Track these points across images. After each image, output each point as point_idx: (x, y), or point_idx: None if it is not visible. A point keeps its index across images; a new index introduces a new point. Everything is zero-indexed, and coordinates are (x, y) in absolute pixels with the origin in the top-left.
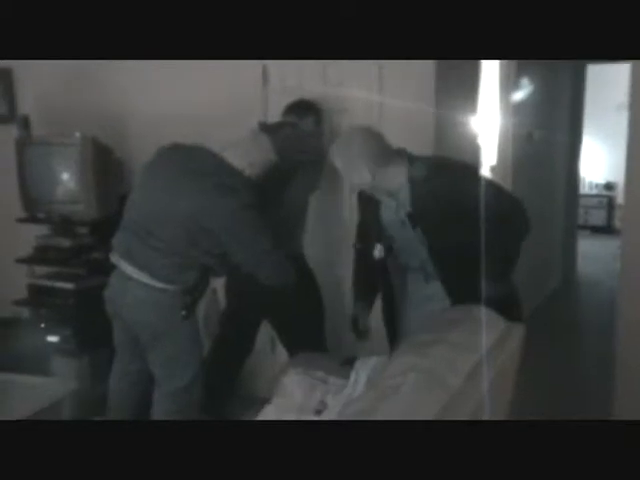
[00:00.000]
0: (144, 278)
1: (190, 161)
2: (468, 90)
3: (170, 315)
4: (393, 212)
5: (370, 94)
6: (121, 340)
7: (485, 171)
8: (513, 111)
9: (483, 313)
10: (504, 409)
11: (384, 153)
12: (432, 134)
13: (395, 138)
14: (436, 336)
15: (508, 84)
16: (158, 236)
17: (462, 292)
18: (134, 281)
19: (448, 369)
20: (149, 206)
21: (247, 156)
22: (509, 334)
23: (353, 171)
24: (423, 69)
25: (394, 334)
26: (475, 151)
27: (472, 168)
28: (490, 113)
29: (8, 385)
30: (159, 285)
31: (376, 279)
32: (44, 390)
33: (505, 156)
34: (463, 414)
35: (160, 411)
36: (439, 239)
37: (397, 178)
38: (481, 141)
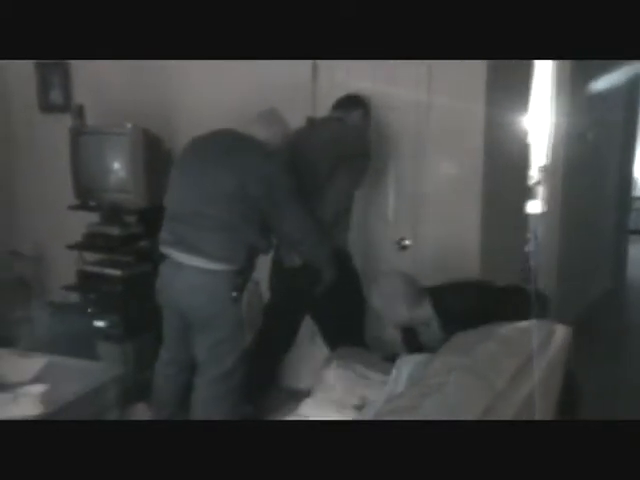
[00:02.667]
0: (196, 262)
1: (224, 140)
2: (520, 89)
3: (220, 298)
4: (427, 334)
5: (419, 93)
6: (170, 329)
7: (535, 171)
8: (566, 111)
9: None
10: (550, 411)
11: (417, 293)
12: (482, 133)
13: (444, 138)
14: (481, 336)
15: (562, 83)
16: (208, 214)
17: None
18: (186, 267)
19: (493, 369)
20: (194, 190)
21: (271, 128)
22: (556, 336)
23: (392, 311)
24: (474, 68)
25: None
26: (524, 151)
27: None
28: (543, 113)
29: (57, 367)
30: (212, 266)
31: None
32: (90, 374)
33: (557, 157)
34: (507, 415)
35: (200, 397)
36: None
37: (426, 312)
38: (531, 141)
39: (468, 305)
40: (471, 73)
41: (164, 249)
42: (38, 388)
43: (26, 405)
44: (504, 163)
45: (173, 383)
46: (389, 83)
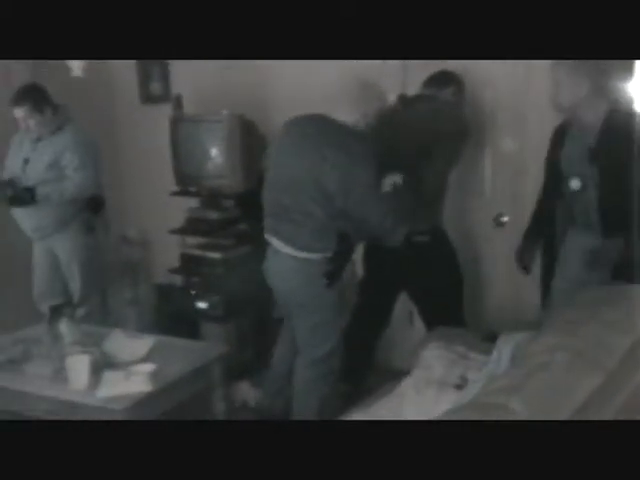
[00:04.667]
0: (289, 250)
1: (307, 127)
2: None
3: (313, 284)
4: (578, 145)
5: (515, 67)
6: (281, 310)
7: None
8: None
9: (639, 293)
10: None
11: (603, 75)
12: None
13: (541, 112)
14: (587, 314)
15: None
16: (293, 208)
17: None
18: (281, 254)
19: (601, 349)
20: (280, 179)
21: (357, 108)
22: None
23: (570, 85)
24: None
25: (547, 293)
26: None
27: None
28: None
29: (163, 347)
30: (302, 255)
31: (548, 223)
32: (195, 353)
33: None
34: (619, 398)
35: (300, 379)
36: (612, 186)
37: (600, 109)
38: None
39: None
40: None
41: (266, 235)
42: (148, 367)
43: (137, 383)
44: None
45: (287, 363)
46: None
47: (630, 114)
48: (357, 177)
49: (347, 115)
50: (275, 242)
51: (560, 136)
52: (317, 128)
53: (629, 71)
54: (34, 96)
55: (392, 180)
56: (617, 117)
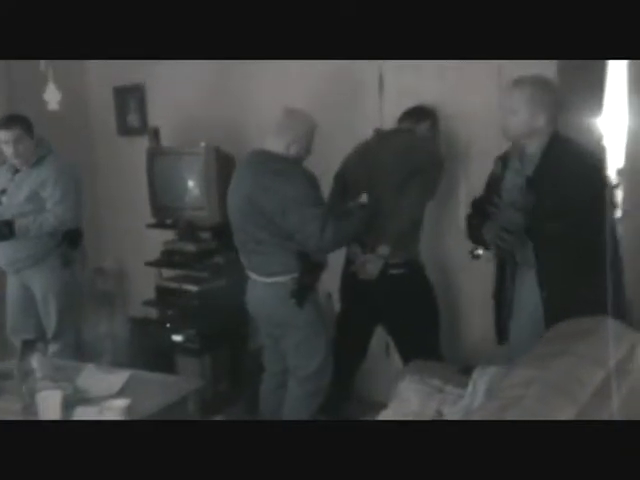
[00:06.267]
0: (262, 278)
1: (244, 163)
2: (593, 90)
3: (286, 305)
4: (515, 175)
5: (489, 96)
6: (265, 341)
7: (612, 174)
8: None
9: (611, 325)
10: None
11: (557, 107)
12: None
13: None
14: (559, 348)
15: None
16: (249, 239)
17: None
18: (257, 283)
19: (574, 382)
20: (234, 217)
21: (284, 137)
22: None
23: (526, 114)
24: (544, 69)
25: (503, 333)
26: (600, 153)
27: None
28: (618, 114)
29: (138, 381)
30: (271, 280)
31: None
32: (170, 387)
33: (635, 158)
34: None
35: (291, 396)
36: (548, 216)
37: (541, 139)
38: (607, 143)
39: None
40: (541, 74)
41: (245, 270)
42: (122, 402)
43: (111, 418)
44: None
45: (273, 397)
46: (457, 88)
47: (569, 142)
48: (288, 194)
49: (278, 143)
50: (250, 274)
51: (502, 166)
52: (250, 161)
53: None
54: (22, 121)
55: (357, 202)
56: (557, 146)
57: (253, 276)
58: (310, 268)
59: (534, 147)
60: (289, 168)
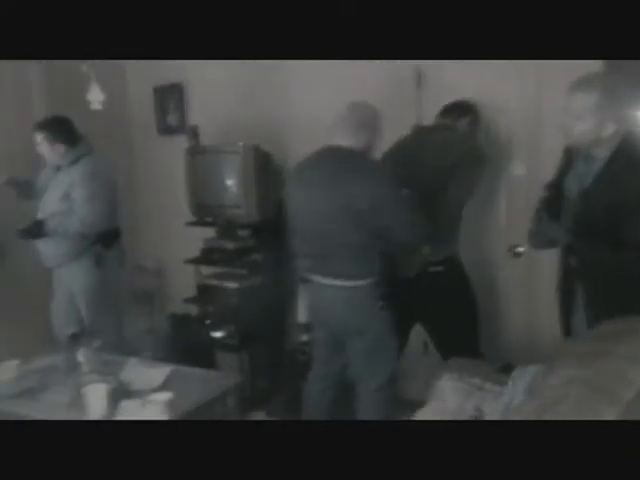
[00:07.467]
0: (337, 282)
1: (323, 163)
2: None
3: (366, 310)
4: (585, 170)
5: (528, 93)
6: (322, 346)
7: None
8: None
9: None
10: None
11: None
12: None
13: (556, 139)
14: (601, 348)
15: None
16: (332, 242)
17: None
18: (328, 287)
19: (617, 382)
20: (311, 221)
21: (357, 132)
22: None
23: (592, 122)
24: (587, 67)
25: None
26: None
27: None
28: None
29: (179, 376)
30: (349, 284)
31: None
32: (211, 382)
33: None
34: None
35: (366, 406)
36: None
37: (609, 144)
38: None
39: None
40: (583, 72)
41: (304, 274)
42: (164, 395)
43: (154, 411)
44: None
45: (325, 398)
46: (497, 85)
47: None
48: (378, 190)
49: (352, 138)
50: (319, 279)
51: (568, 157)
52: (327, 159)
53: None
54: (57, 123)
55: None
56: (623, 154)
57: (324, 280)
58: (391, 271)
59: (599, 151)
60: (370, 163)
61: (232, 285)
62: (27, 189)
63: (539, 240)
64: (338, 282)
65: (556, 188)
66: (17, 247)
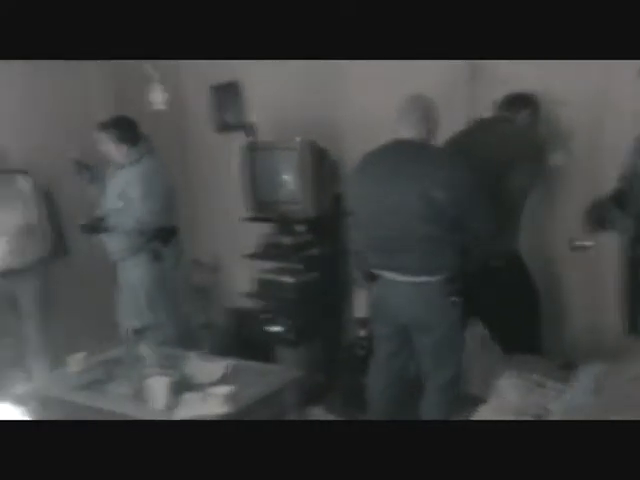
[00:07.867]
0: (407, 278)
1: (390, 156)
2: None
3: (438, 306)
4: None
5: (591, 84)
6: (386, 343)
7: None
8: None
9: None
10: None
11: None
12: None
13: (623, 133)
14: None
15: None
16: (404, 236)
17: None
18: (398, 283)
19: None
20: (381, 215)
21: (421, 124)
22: None
23: None
24: None
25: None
26: None
27: None
28: None
29: (238, 370)
30: (421, 279)
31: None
32: (270, 376)
33: None
34: None
35: (432, 402)
36: None
37: None
38: None
39: None
40: None
41: (374, 270)
42: (225, 389)
43: (214, 404)
44: None
45: (389, 394)
46: (560, 75)
47: None
48: (456, 181)
49: (417, 131)
50: (388, 274)
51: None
52: (400, 152)
53: None
54: (118, 123)
55: None
56: None
57: (393, 276)
58: (463, 266)
59: None
60: (442, 151)
61: (289, 280)
62: (94, 173)
63: (599, 220)
64: (408, 278)
65: (629, 180)
66: (83, 243)
